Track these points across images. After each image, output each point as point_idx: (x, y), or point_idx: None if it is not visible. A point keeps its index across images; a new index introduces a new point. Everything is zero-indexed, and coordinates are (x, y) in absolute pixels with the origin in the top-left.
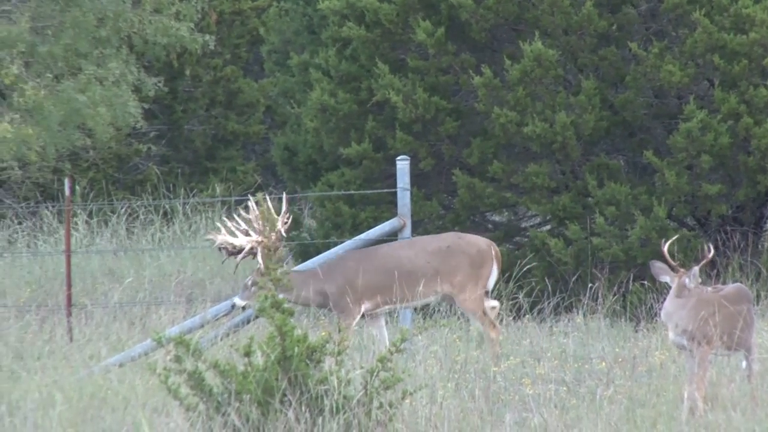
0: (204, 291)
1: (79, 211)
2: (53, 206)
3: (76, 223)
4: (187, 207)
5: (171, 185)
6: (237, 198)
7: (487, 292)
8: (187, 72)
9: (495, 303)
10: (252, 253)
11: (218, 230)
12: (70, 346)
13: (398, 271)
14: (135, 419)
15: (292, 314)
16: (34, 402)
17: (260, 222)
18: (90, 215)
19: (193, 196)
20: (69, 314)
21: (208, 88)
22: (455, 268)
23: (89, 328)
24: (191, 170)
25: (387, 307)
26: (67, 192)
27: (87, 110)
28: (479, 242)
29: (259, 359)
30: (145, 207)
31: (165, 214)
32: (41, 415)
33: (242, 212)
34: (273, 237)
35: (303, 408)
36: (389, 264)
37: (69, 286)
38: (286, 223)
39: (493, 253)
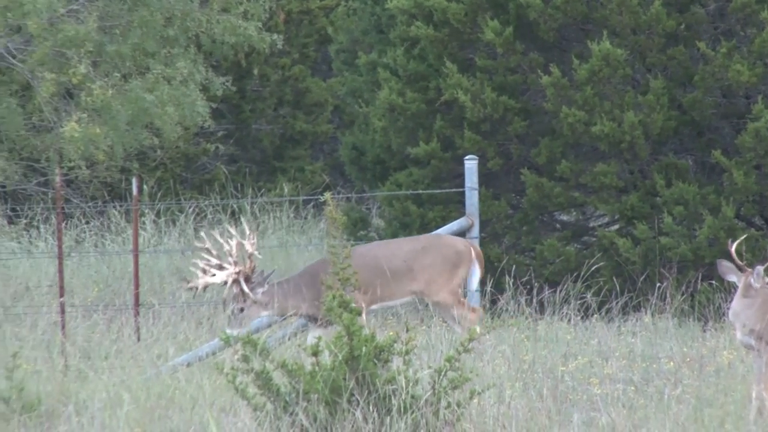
0: None
1: (146, 211)
2: (121, 206)
3: (144, 223)
4: (255, 206)
5: (239, 185)
6: (305, 198)
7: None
8: (255, 71)
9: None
10: (235, 283)
11: (194, 275)
12: (137, 346)
13: (375, 272)
14: (202, 419)
15: (359, 313)
16: (102, 401)
17: (232, 251)
18: (158, 215)
19: (261, 195)
20: (137, 314)
21: (276, 87)
22: (428, 267)
23: (157, 328)
24: (259, 170)
25: (365, 306)
26: (134, 191)
27: (155, 110)
28: (457, 243)
29: (326, 359)
30: (213, 206)
31: (233, 213)
32: (108, 415)
33: (207, 247)
34: (249, 263)
35: (371, 407)
36: (367, 264)
37: (137, 285)
38: (253, 244)
39: (473, 254)
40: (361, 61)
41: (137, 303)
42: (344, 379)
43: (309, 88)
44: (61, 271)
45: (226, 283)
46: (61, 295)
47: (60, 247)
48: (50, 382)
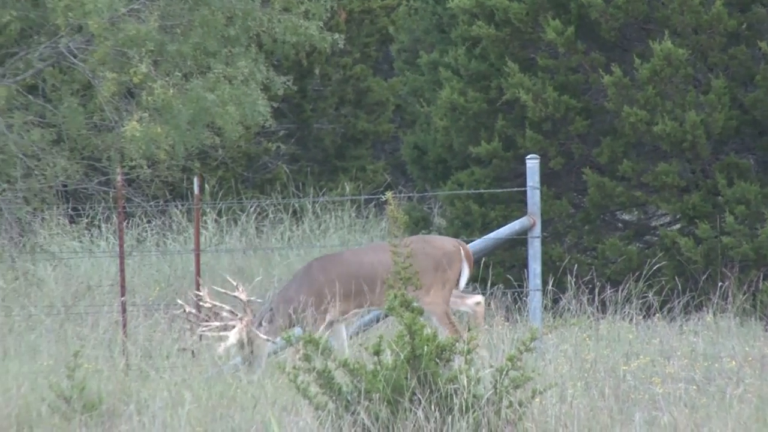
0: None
1: (208, 210)
2: (182, 205)
3: (206, 222)
4: (317, 206)
5: (300, 184)
6: (366, 197)
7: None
8: (317, 71)
9: (479, 298)
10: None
11: (216, 344)
12: (199, 345)
13: (363, 277)
14: (264, 418)
15: (421, 313)
16: (163, 401)
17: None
18: (219, 214)
19: (323, 194)
20: (199, 312)
21: (338, 86)
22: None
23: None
24: (320, 169)
25: (353, 312)
26: (196, 190)
27: (216, 109)
28: (446, 244)
29: (388, 358)
30: (275, 206)
31: (294, 212)
32: (170, 414)
33: (207, 307)
34: (249, 311)
35: (432, 407)
36: (353, 270)
37: (198, 284)
38: (243, 291)
39: (463, 253)
40: (422, 60)
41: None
42: (406, 378)
43: (370, 87)
44: (122, 270)
45: (241, 340)
46: (123, 295)
47: (121, 246)
48: (111, 382)
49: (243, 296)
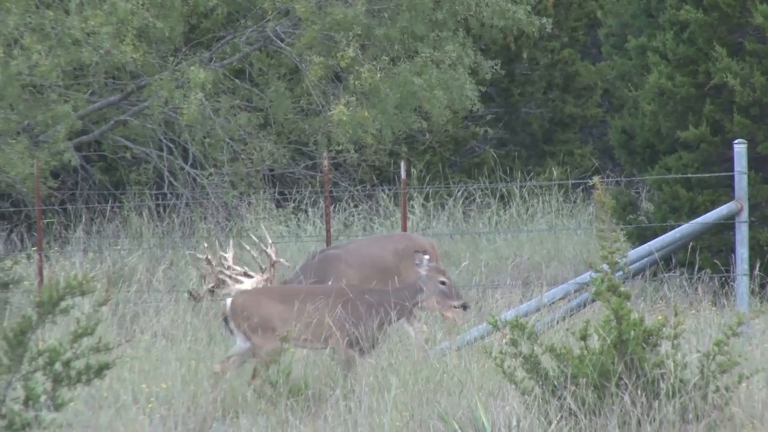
0: (540, 274)
1: (415, 194)
2: (389, 189)
3: (413, 206)
4: (524, 190)
5: (507, 168)
6: (574, 181)
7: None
8: (524, 55)
9: (425, 328)
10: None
11: (228, 290)
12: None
13: (373, 269)
14: (470, 403)
15: (628, 298)
16: (369, 386)
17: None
18: (426, 198)
19: (530, 179)
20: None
21: (545, 71)
22: (409, 268)
23: (425, 312)
24: (528, 153)
25: None
26: (402, 175)
27: (423, 93)
28: (425, 244)
29: (595, 343)
30: (482, 190)
31: (502, 197)
32: (376, 399)
33: (222, 255)
34: (272, 271)
35: (639, 392)
36: (366, 262)
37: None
38: (275, 252)
39: (436, 254)
40: (630, 44)
41: None
42: (612, 363)
43: (578, 71)
44: None
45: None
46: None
47: (328, 230)
48: (317, 366)
49: (273, 255)
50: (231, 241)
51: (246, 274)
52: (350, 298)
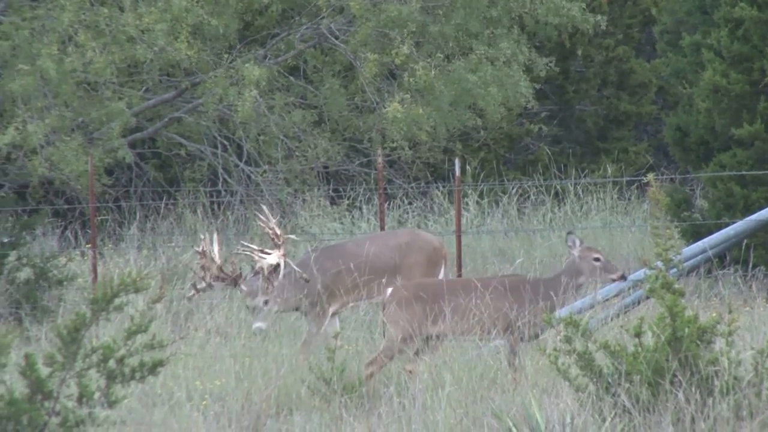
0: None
1: (469, 191)
2: (443, 186)
3: (467, 204)
4: (579, 187)
5: (562, 165)
6: (628, 179)
7: None
8: (579, 52)
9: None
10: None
11: (251, 259)
12: None
13: (372, 265)
14: (524, 400)
15: (682, 295)
16: (423, 383)
17: (276, 234)
18: (480, 195)
19: (585, 176)
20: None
21: (600, 68)
22: (413, 264)
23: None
24: (582, 150)
25: (352, 305)
26: (457, 172)
27: (478, 90)
28: (433, 241)
29: (649, 340)
30: (536, 187)
31: (556, 194)
32: (430, 396)
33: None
34: (284, 247)
35: (693, 389)
36: (357, 261)
37: (459, 266)
38: (282, 228)
39: (444, 252)
40: (685, 42)
41: None
42: (667, 360)
43: (633, 68)
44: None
45: (277, 265)
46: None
47: (382, 227)
48: None
49: (279, 231)
50: (216, 236)
51: (263, 251)
52: (515, 288)
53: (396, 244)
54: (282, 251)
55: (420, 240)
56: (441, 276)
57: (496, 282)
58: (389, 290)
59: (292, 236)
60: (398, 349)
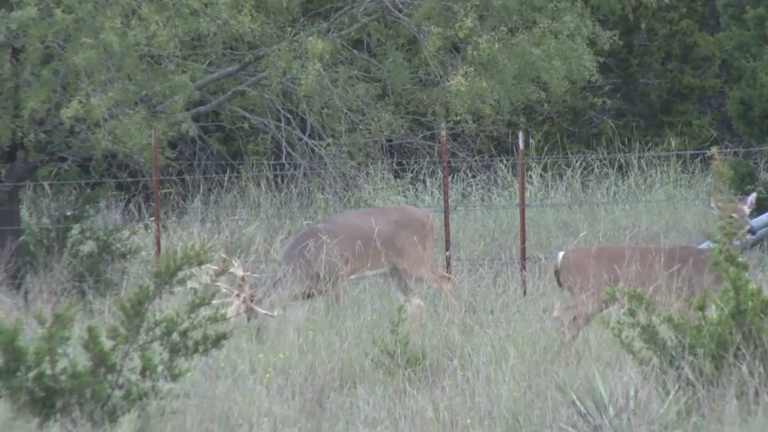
0: (659, 244)
1: (533, 165)
2: (507, 160)
3: (531, 177)
4: (642, 161)
5: (626, 139)
6: (692, 152)
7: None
8: (643, 26)
9: (419, 301)
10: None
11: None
12: (523, 300)
13: (360, 241)
14: (588, 373)
15: (746, 268)
16: (487, 356)
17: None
18: (544, 169)
19: (648, 149)
20: (523, 267)
21: (664, 41)
22: (404, 240)
23: (543, 282)
24: (646, 124)
25: (356, 276)
26: (521, 145)
27: (541, 63)
28: (421, 215)
29: (713, 313)
30: (600, 160)
31: (620, 167)
32: (493, 369)
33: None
34: (247, 287)
35: (757, 362)
36: (354, 234)
37: (523, 239)
38: (239, 266)
39: (433, 225)
40: (749, 15)
41: (524, 257)
42: (730, 333)
43: (697, 42)
44: (447, 225)
45: (239, 314)
46: (447, 249)
47: (446, 201)
48: (435, 336)
49: (239, 272)
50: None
51: (223, 304)
52: (687, 258)
53: (386, 221)
54: (240, 299)
55: (408, 216)
56: (429, 248)
57: (668, 252)
58: (560, 254)
59: (249, 273)
60: (594, 311)
